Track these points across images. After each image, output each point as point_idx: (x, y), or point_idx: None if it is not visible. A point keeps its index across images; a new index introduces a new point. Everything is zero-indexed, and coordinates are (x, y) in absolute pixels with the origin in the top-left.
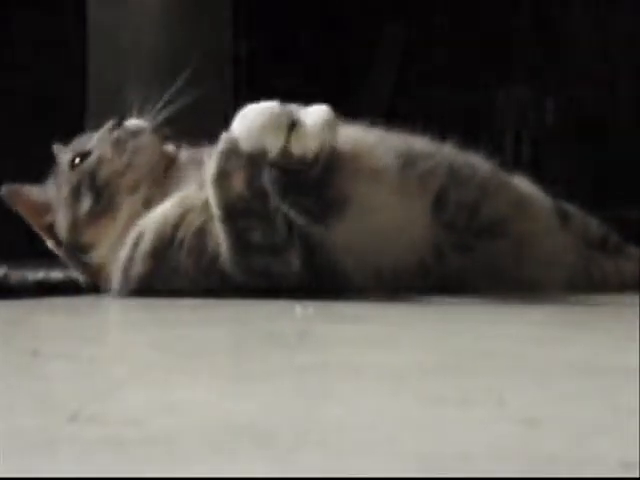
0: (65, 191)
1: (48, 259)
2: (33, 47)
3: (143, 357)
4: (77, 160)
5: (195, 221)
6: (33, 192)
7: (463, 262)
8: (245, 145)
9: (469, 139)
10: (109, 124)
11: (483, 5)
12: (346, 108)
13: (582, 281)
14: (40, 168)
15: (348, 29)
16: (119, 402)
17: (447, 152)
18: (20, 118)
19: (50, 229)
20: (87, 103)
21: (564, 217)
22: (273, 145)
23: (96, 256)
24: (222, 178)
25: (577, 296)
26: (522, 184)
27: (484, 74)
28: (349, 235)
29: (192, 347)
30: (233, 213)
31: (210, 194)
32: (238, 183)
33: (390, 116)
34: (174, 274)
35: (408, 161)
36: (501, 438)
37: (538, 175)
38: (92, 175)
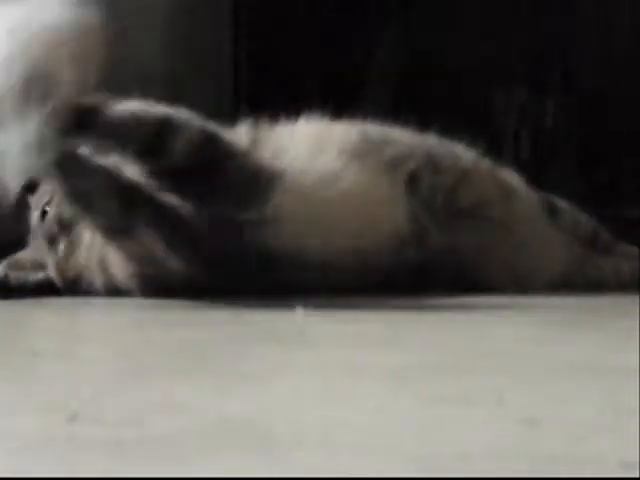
0: (44, 244)
1: None
2: None
3: (143, 357)
4: (46, 209)
5: None
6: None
7: (444, 244)
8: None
9: (469, 139)
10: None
11: (483, 4)
12: (347, 107)
13: (577, 278)
14: None
15: (349, 30)
16: (119, 402)
17: (424, 140)
18: None
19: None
20: None
21: (552, 211)
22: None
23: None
24: None
25: (577, 296)
26: (509, 175)
27: (484, 74)
28: (293, 219)
29: (192, 347)
30: None
31: None
32: None
33: (391, 116)
34: None
35: (372, 146)
36: (501, 438)
37: (538, 175)
38: (59, 219)
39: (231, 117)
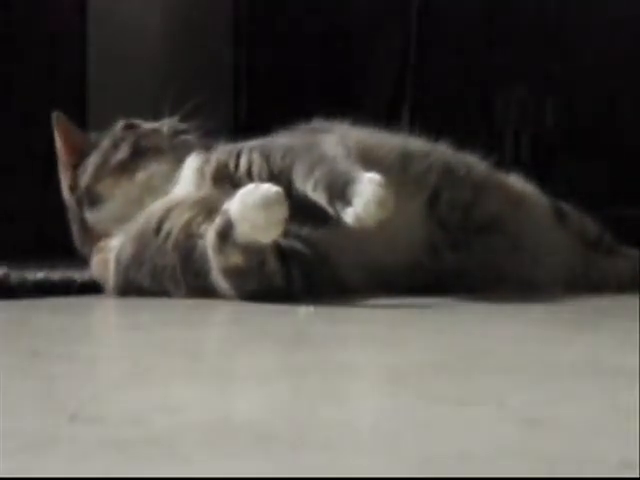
0: (107, 142)
1: (49, 259)
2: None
3: (143, 357)
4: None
5: (183, 215)
6: (77, 131)
7: (459, 260)
8: (239, 236)
9: (469, 139)
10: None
11: (482, 4)
12: (347, 109)
13: (581, 280)
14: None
15: (348, 31)
16: (119, 402)
17: (442, 152)
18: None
19: (73, 168)
20: (88, 114)
21: (561, 216)
22: (265, 239)
23: (101, 213)
24: (219, 253)
25: (577, 296)
26: (518, 183)
27: (484, 74)
28: (348, 235)
29: (192, 347)
30: (232, 273)
31: (209, 255)
32: (235, 258)
33: (390, 117)
34: (159, 268)
35: (405, 161)
36: (501, 438)
37: (538, 175)
38: (138, 137)
39: (231, 119)
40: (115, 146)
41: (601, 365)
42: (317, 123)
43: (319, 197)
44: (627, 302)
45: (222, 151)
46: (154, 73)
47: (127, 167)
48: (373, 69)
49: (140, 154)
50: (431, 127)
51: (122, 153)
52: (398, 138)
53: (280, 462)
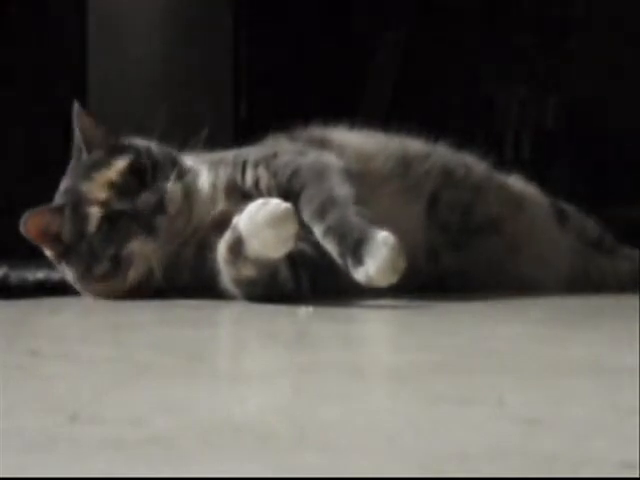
0: (84, 246)
1: (48, 259)
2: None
3: (143, 357)
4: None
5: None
6: (46, 218)
7: (459, 261)
8: (250, 252)
9: (469, 139)
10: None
11: (482, 4)
12: (346, 109)
13: (580, 280)
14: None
15: (349, 32)
16: (119, 402)
17: (441, 153)
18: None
19: (60, 255)
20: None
21: (562, 216)
22: (276, 254)
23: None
24: (231, 265)
25: (577, 296)
26: (518, 183)
27: (484, 74)
28: None
29: (192, 347)
30: (243, 283)
31: (221, 267)
32: (247, 271)
33: (390, 117)
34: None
35: (404, 166)
36: (501, 438)
37: (538, 175)
38: (120, 246)
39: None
40: (93, 256)
41: (601, 365)
42: (315, 129)
43: (328, 245)
44: (627, 302)
45: (228, 164)
46: (154, 73)
47: (112, 275)
48: (373, 69)
49: (121, 263)
50: (431, 127)
51: (101, 268)
52: (396, 141)
53: (280, 462)
